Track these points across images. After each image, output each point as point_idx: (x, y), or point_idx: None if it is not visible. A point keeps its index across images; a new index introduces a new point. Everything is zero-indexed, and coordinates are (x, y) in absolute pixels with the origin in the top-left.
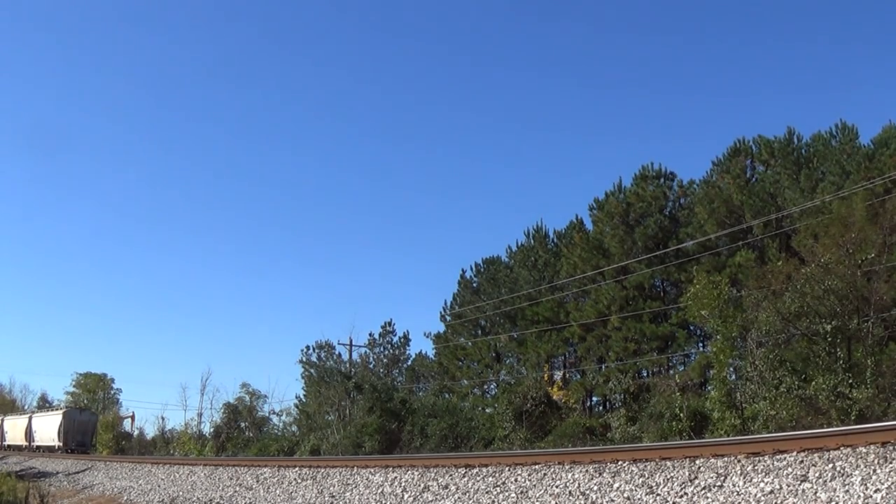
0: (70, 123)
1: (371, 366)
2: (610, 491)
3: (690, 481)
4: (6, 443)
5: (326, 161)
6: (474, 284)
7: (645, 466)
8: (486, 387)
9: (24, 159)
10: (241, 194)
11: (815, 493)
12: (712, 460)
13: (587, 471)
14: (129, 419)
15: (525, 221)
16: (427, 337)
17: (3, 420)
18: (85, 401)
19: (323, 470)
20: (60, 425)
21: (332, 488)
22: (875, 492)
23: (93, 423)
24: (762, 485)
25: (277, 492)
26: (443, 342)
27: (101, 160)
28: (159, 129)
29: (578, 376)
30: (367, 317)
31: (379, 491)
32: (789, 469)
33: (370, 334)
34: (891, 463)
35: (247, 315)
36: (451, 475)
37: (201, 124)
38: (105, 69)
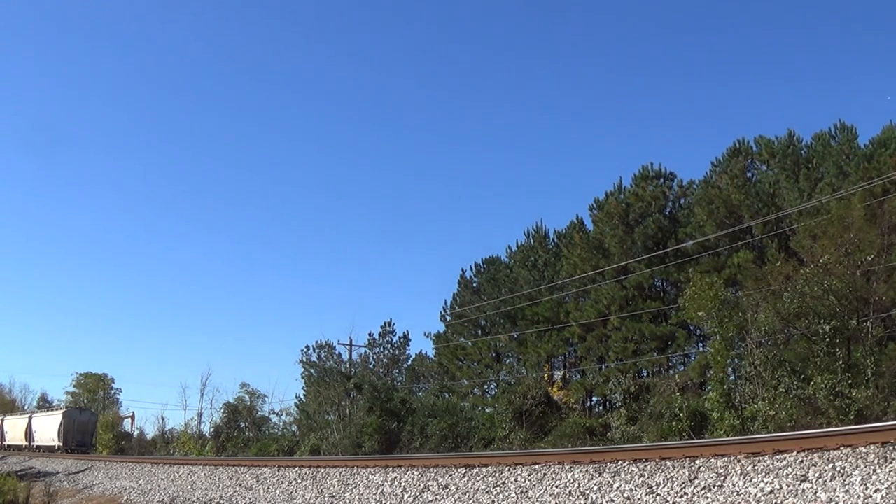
0: (71, 118)
1: (371, 366)
2: (610, 491)
3: (690, 481)
4: (6, 443)
5: (326, 161)
6: (474, 284)
7: (645, 466)
8: (486, 387)
9: (25, 156)
10: (241, 194)
11: (815, 493)
12: (712, 460)
13: (587, 471)
14: (129, 419)
15: (525, 221)
16: (427, 337)
17: (3, 420)
18: (85, 401)
19: (323, 470)
20: (60, 425)
21: (332, 488)
22: (875, 492)
23: (93, 423)
24: (762, 485)
25: (277, 492)
26: (443, 342)
27: (101, 158)
28: (161, 126)
29: (578, 376)
30: (367, 317)
31: (379, 491)
32: (789, 469)
33: (370, 334)
34: (891, 463)
35: (247, 315)
36: (451, 475)
37: (198, 121)
38: (112, 61)
